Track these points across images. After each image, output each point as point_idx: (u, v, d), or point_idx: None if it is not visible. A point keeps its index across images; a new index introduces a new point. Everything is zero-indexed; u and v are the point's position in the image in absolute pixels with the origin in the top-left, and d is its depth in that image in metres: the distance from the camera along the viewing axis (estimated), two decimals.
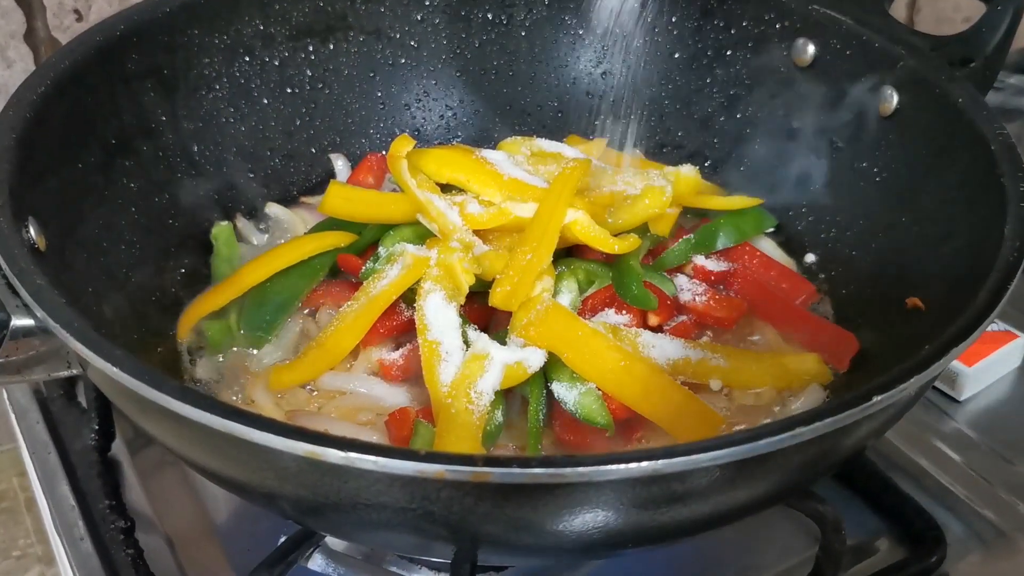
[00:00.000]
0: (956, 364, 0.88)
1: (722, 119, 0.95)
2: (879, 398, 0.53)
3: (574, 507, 0.53)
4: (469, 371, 0.68)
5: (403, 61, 0.97)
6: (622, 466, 0.49)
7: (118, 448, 0.84)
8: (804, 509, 0.72)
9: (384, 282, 0.75)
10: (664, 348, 0.72)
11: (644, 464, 0.49)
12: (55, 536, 0.79)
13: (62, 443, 0.85)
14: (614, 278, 0.78)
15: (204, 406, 0.51)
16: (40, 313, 0.57)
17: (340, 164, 0.96)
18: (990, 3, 0.84)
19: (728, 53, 0.94)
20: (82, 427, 0.85)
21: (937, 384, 0.89)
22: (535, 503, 0.52)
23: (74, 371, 0.63)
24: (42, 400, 0.88)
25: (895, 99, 0.81)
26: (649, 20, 0.96)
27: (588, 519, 0.54)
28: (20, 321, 0.60)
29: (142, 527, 0.78)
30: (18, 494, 1.06)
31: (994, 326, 0.92)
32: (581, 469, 0.49)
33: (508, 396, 0.71)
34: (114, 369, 0.53)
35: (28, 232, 0.64)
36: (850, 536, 0.73)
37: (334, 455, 0.49)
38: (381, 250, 0.79)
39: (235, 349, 0.78)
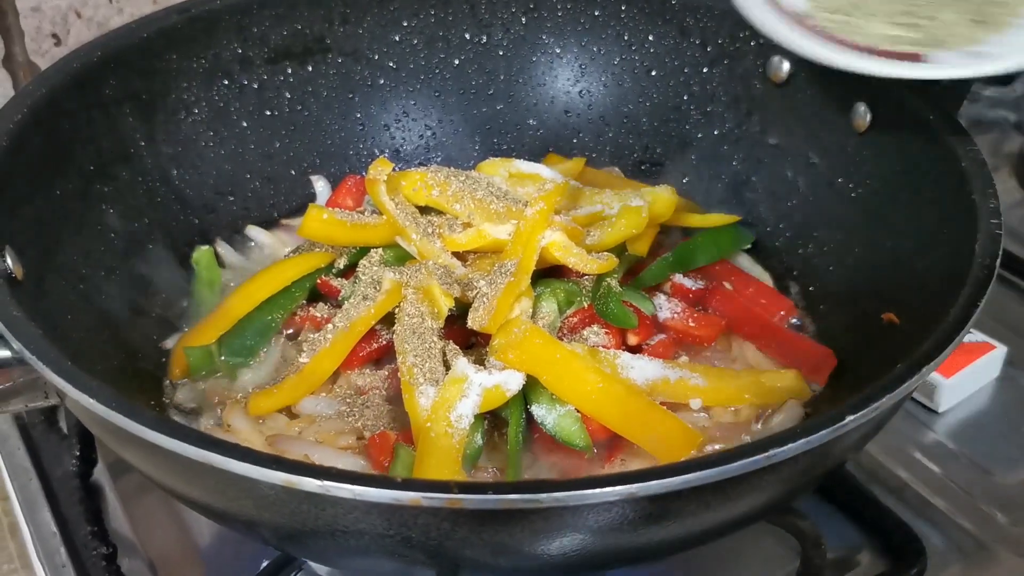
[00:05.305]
0: (935, 376, 0.88)
1: (699, 136, 0.96)
2: (851, 418, 0.53)
3: (551, 531, 0.53)
4: (448, 395, 0.68)
5: (382, 82, 0.98)
6: (597, 491, 0.49)
7: (100, 473, 0.84)
8: (784, 525, 0.73)
9: (363, 306, 0.76)
10: (642, 369, 0.72)
11: (618, 488, 0.49)
12: (37, 563, 0.78)
13: (43, 469, 0.84)
14: (593, 298, 0.78)
15: (180, 436, 0.52)
16: (16, 345, 0.57)
17: (320, 186, 0.96)
18: None
19: (704, 71, 0.95)
20: (63, 453, 0.84)
21: (916, 396, 0.90)
22: (512, 528, 0.52)
23: (52, 401, 0.63)
24: (23, 426, 0.87)
25: (868, 116, 0.82)
26: (627, 38, 0.97)
27: (566, 542, 0.54)
28: None
29: (125, 552, 0.78)
30: (1, 519, 1.06)
31: (972, 337, 0.93)
32: (556, 494, 0.49)
33: (489, 418, 0.71)
34: (90, 400, 0.53)
35: (5, 261, 0.64)
36: (831, 549, 0.74)
37: (310, 484, 0.49)
38: (360, 273, 0.79)
39: (216, 374, 0.78)
